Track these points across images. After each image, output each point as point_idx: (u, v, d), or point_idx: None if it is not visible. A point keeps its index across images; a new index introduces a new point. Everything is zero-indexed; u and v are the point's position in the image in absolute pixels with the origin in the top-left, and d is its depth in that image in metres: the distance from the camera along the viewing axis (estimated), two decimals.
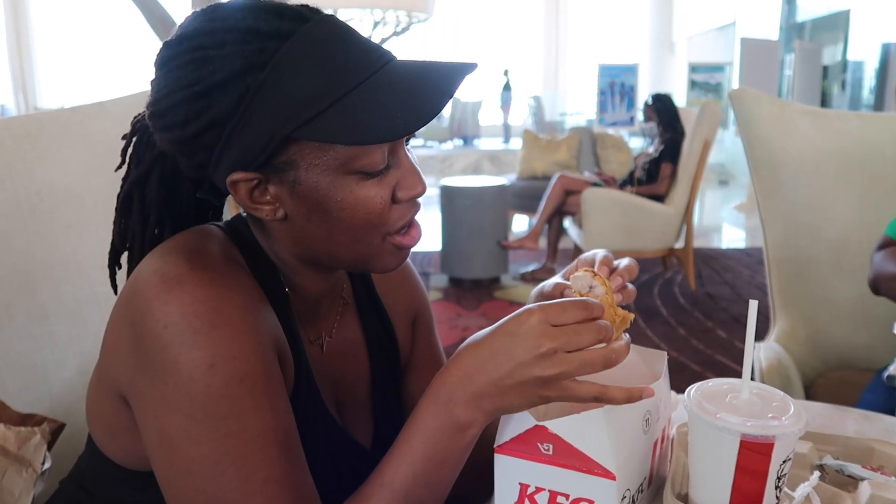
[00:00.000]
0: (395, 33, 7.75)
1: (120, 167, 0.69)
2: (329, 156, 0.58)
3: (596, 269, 0.67)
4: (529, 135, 5.92)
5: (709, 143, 3.84)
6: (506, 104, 12.90)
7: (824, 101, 7.55)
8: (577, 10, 13.91)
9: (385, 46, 0.62)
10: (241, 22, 0.57)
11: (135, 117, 0.68)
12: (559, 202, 4.29)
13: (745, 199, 7.16)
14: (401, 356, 0.84)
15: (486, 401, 0.56)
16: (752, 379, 0.59)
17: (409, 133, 0.58)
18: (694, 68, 8.21)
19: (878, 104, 6.78)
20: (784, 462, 0.55)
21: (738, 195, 7.86)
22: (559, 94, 13.49)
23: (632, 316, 0.61)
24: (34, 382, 0.98)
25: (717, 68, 8.17)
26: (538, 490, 0.59)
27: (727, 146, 9.12)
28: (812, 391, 1.46)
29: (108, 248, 0.71)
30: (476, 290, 4.10)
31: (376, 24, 7.24)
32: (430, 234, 4.96)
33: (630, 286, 0.68)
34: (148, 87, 0.62)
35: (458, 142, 12.63)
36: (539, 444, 0.58)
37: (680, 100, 7.78)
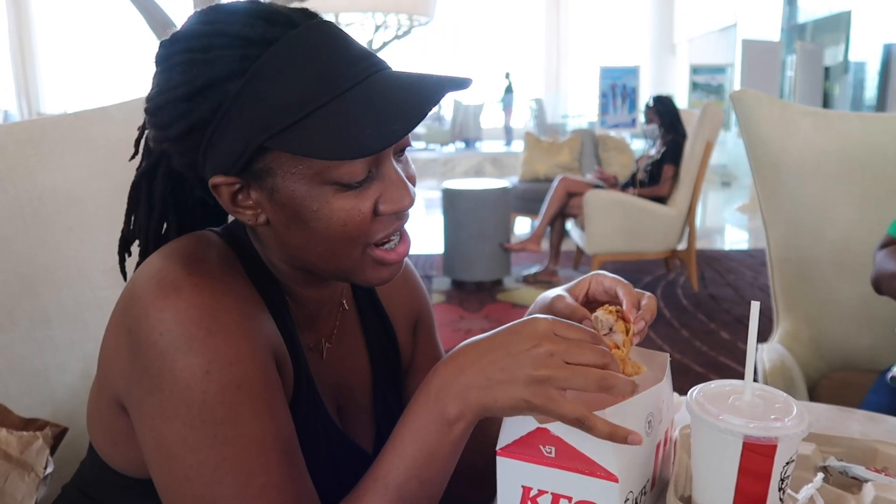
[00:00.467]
0: (397, 37, 7.75)
1: (133, 157, 0.70)
2: (305, 165, 0.57)
3: (621, 307, 0.65)
4: (531, 137, 5.93)
5: (711, 144, 3.84)
6: (507, 107, 12.94)
7: (826, 102, 7.54)
8: (577, 13, 13.94)
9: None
10: (230, 27, 0.57)
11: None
12: (561, 204, 4.29)
13: (748, 201, 7.15)
14: (402, 359, 0.83)
15: (473, 393, 0.56)
16: (755, 380, 0.59)
17: (374, 153, 0.54)
18: (695, 70, 8.21)
19: (880, 105, 6.77)
20: (787, 464, 0.55)
21: (741, 196, 7.86)
22: (561, 97, 13.52)
23: (643, 369, 0.61)
24: (36, 386, 0.98)
25: (719, 70, 8.17)
26: (541, 493, 0.58)
27: (729, 147, 9.11)
28: (815, 392, 1.46)
29: (109, 252, 0.71)
30: (478, 293, 4.09)
31: (378, 27, 7.27)
32: (432, 237, 4.97)
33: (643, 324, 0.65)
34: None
35: (460, 145, 12.66)
36: (541, 447, 0.58)
37: (681, 101, 7.79)
